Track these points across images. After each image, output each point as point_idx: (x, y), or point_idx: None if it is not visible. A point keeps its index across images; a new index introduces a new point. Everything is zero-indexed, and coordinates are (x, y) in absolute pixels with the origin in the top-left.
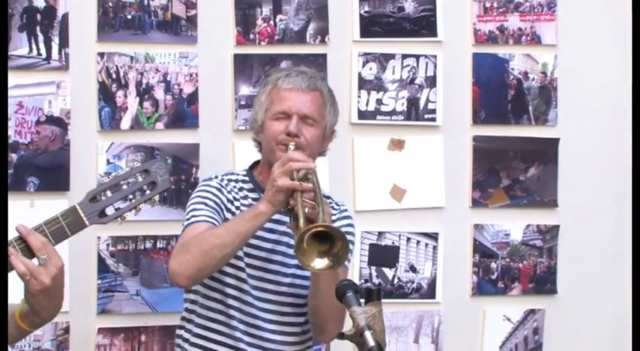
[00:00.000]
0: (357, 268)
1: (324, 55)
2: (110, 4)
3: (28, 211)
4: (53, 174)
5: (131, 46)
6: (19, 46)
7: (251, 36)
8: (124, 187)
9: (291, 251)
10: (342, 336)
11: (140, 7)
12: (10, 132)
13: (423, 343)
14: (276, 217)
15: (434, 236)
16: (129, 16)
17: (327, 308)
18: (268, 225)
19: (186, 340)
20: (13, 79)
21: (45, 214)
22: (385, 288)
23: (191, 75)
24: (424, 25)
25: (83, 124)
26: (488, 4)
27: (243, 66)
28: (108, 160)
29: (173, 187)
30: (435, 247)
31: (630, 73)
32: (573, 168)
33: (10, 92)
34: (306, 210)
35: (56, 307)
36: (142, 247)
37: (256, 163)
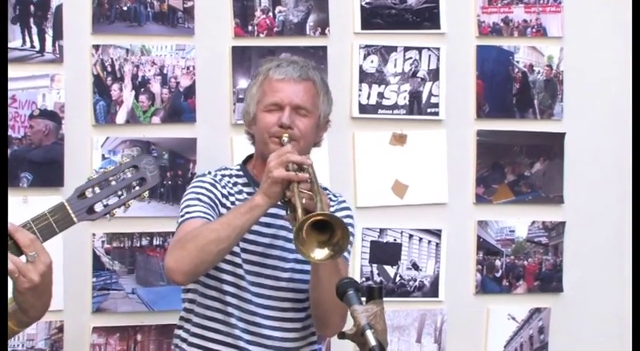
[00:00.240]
0: (357, 266)
1: (324, 48)
2: None
3: (21, 207)
4: (47, 169)
5: (127, 39)
6: (12, 38)
7: (249, 28)
8: (113, 183)
9: (289, 245)
10: (342, 335)
11: None
12: None
13: (425, 342)
14: (273, 210)
15: (437, 233)
16: (124, 8)
17: (329, 301)
18: (265, 219)
19: (184, 340)
20: None
21: (39, 211)
22: (387, 286)
23: (188, 68)
24: (427, 17)
25: (78, 118)
26: None
27: (242, 58)
28: (103, 155)
29: (170, 182)
30: (437, 244)
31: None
32: (579, 163)
33: None
34: (304, 201)
35: (45, 305)
36: (138, 244)
37: (250, 157)
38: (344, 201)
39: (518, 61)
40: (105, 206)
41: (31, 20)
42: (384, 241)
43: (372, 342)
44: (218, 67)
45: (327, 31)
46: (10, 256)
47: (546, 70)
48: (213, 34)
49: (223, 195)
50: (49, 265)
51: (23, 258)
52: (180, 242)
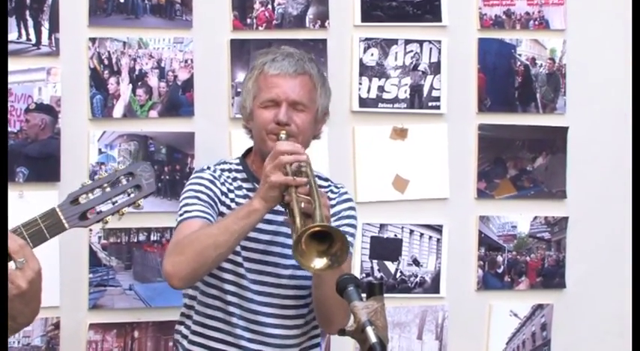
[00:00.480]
0: (358, 262)
1: (323, 41)
2: None
3: (17, 203)
4: (43, 164)
5: (124, 31)
6: (8, 31)
7: (248, 21)
8: (108, 189)
9: (289, 241)
10: (343, 332)
11: None
12: None
13: (426, 339)
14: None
15: (438, 228)
16: (121, 0)
17: (332, 298)
18: (266, 216)
19: (185, 337)
20: None
21: (35, 206)
22: (387, 282)
23: (186, 61)
24: (428, 10)
25: (74, 112)
26: None
27: (240, 52)
28: (100, 150)
29: (167, 177)
30: (439, 240)
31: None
32: (583, 157)
33: None
34: (302, 205)
35: (33, 311)
36: (136, 240)
37: (250, 150)
38: (346, 192)
39: (520, 55)
40: (98, 213)
41: (27, 13)
42: (384, 237)
43: (373, 339)
44: (216, 61)
45: (326, 24)
46: None
47: (549, 63)
48: (212, 26)
49: (222, 192)
50: (38, 271)
51: (12, 264)
52: (178, 246)
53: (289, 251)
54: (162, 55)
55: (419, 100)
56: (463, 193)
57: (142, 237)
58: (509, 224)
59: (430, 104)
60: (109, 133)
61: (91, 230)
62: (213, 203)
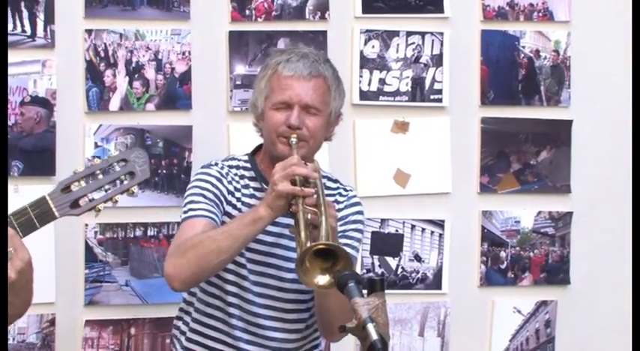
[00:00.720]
0: (358, 258)
1: (324, 32)
2: None
3: (12, 197)
4: (38, 157)
5: (120, 23)
6: None
7: (247, 12)
8: (100, 176)
9: (293, 245)
10: (343, 329)
11: None
12: None
13: (428, 336)
14: None
15: (440, 223)
16: None
17: (335, 308)
18: None
19: (183, 333)
20: None
21: (30, 200)
22: (389, 278)
23: (184, 53)
24: (430, 1)
25: (70, 105)
26: None
27: (239, 44)
28: (96, 143)
29: (164, 171)
30: (441, 235)
31: None
32: (587, 151)
33: None
34: (309, 216)
35: (24, 303)
36: (132, 235)
37: (259, 148)
38: (354, 196)
39: (524, 47)
40: (90, 201)
41: (22, 4)
42: (385, 232)
43: (374, 336)
44: (214, 53)
45: (326, 15)
46: None
47: (553, 55)
48: (210, 18)
49: (229, 191)
50: (28, 261)
51: None
52: (180, 249)
53: (292, 254)
54: (159, 47)
55: (420, 92)
56: (465, 188)
57: (138, 232)
58: (513, 219)
59: (432, 97)
60: (105, 126)
61: (87, 225)
62: (219, 202)
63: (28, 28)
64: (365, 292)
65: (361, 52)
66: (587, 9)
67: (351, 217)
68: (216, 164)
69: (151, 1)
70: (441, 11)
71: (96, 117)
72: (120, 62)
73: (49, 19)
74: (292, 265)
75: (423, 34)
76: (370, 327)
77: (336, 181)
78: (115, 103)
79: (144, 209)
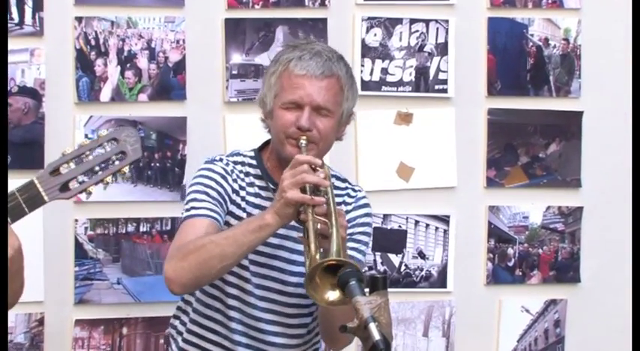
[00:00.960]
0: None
1: (324, 20)
2: None
3: None
4: (26, 150)
5: (112, 10)
6: None
7: None
8: (90, 157)
9: (298, 247)
10: (344, 329)
11: None
12: None
13: (432, 336)
14: None
15: (445, 219)
16: None
17: (341, 317)
18: None
19: (179, 333)
20: None
21: None
22: (391, 276)
23: (178, 42)
24: None
25: (59, 96)
26: None
27: (235, 32)
28: (86, 135)
29: (158, 164)
30: (445, 231)
31: None
32: (598, 144)
33: None
34: (318, 226)
35: (16, 292)
36: (124, 231)
37: (266, 144)
38: (363, 197)
39: (532, 35)
40: (80, 183)
41: None
42: (388, 228)
43: (376, 336)
44: (210, 41)
45: (327, 2)
46: None
47: (563, 44)
48: (205, 5)
49: (234, 190)
50: (18, 248)
51: None
52: (181, 251)
53: (296, 257)
54: (152, 36)
55: (425, 83)
56: (471, 182)
57: (130, 228)
58: (521, 215)
59: (437, 87)
60: (95, 117)
61: (76, 221)
62: (222, 201)
63: (15, 15)
64: (367, 290)
65: (363, 41)
66: None
67: (359, 220)
68: (221, 160)
69: None
70: None
71: (86, 108)
72: (111, 51)
73: (38, 7)
74: (296, 269)
75: (427, 22)
76: (372, 327)
77: (344, 180)
78: (106, 93)
79: (136, 204)
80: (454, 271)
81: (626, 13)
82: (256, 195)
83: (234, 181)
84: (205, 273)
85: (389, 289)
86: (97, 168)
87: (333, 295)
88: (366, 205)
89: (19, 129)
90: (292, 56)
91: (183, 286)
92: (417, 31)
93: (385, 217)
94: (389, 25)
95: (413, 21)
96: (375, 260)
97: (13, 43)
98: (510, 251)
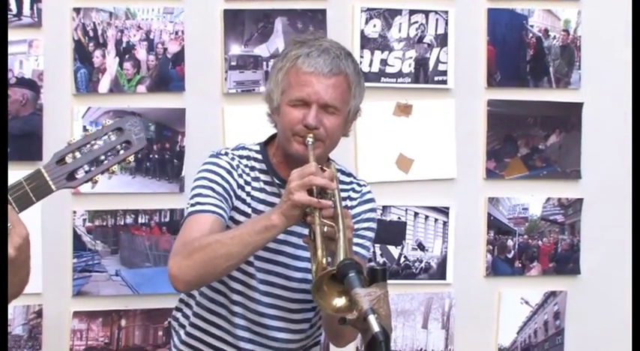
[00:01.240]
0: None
1: (323, 11)
2: None
3: None
4: (24, 142)
5: (110, 1)
6: None
7: None
8: (95, 147)
9: (302, 242)
10: (343, 321)
11: None
12: None
13: (432, 328)
14: None
15: (444, 211)
16: None
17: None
18: None
19: (182, 326)
20: None
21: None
22: (391, 268)
23: (176, 33)
24: None
25: (57, 87)
26: None
27: (234, 23)
28: (84, 127)
29: (156, 156)
30: (445, 223)
31: None
32: (598, 135)
33: None
34: (325, 229)
35: (22, 281)
36: (122, 223)
37: (272, 138)
38: (368, 192)
39: (532, 26)
40: (86, 172)
41: None
42: (387, 220)
43: (376, 328)
44: (209, 32)
45: None
46: None
47: (563, 35)
48: None
49: (239, 185)
50: (26, 237)
51: None
52: (186, 249)
53: (301, 252)
54: (151, 27)
55: (424, 74)
56: (471, 173)
57: (129, 219)
58: (520, 206)
59: (436, 79)
60: (94, 109)
61: (75, 212)
62: (228, 197)
63: (13, 6)
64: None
65: (362, 32)
66: None
67: (364, 216)
68: (226, 154)
69: None
70: None
71: (84, 99)
72: (109, 42)
73: None
74: (300, 264)
75: (426, 13)
76: (372, 319)
77: (349, 174)
78: (104, 84)
79: (135, 195)
80: (453, 263)
81: (626, 4)
82: (261, 190)
83: (240, 176)
84: (210, 272)
85: (388, 281)
86: (102, 157)
87: (340, 302)
88: (371, 200)
89: (17, 120)
90: (300, 53)
91: (187, 283)
92: (417, 22)
93: (384, 208)
94: (388, 16)
95: (412, 12)
96: (374, 252)
97: (11, 35)
98: (510, 243)
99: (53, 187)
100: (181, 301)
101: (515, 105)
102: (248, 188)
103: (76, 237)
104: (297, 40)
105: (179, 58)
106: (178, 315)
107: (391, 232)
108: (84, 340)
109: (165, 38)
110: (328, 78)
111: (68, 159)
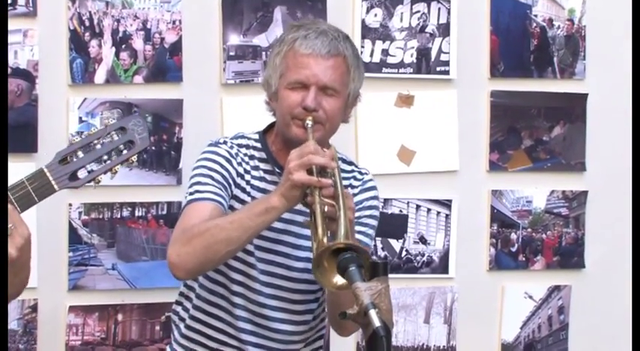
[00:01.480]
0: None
1: (323, 0)
2: None
3: None
4: (19, 133)
5: None
6: None
7: None
8: (98, 146)
9: (304, 232)
10: (344, 315)
11: None
12: None
13: (434, 323)
14: None
15: (447, 204)
16: None
17: (349, 303)
18: None
19: (182, 320)
20: None
21: (11, 179)
22: (392, 262)
23: (174, 22)
24: None
25: (53, 78)
26: None
27: (233, 12)
28: (80, 118)
29: (154, 148)
30: (447, 216)
31: None
32: (603, 127)
33: None
34: (325, 208)
35: (22, 282)
36: (119, 216)
37: (271, 126)
38: (370, 180)
39: (536, 15)
40: (89, 172)
41: None
42: (388, 213)
43: (376, 322)
44: (207, 21)
45: None
46: None
47: (567, 24)
48: None
49: (238, 174)
50: (28, 237)
51: None
52: (185, 235)
53: (302, 242)
54: (147, 16)
55: (426, 64)
56: (474, 166)
57: (125, 212)
58: (524, 199)
59: (438, 69)
60: (90, 100)
61: (70, 205)
62: (227, 185)
63: None
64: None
65: (363, 21)
66: None
67: (366, 203)
68: (225, 143)
69: None
70: None
71: (80, 90)
72: (106, 32)
73: None
74: (302, 254)
75: (428, 2)
76: (372, 313)
77: (351, 163)
78: (100, 75)
79: (131, 188)
80: (456, 257)
81: None
82: (261, 179)
83: (239, 164)
84: (210, 258)
85: (389, 275)
86: (105, 157)
87: (341, 279)
88: (373, 188)
89: (12, 111)
90: (297, 35)
91: (187, 271)
92: (419, 11)
93: (386, 201)
94: (389, 5)
95: (414, 1)
96: (375, 245)
97: None
98: (513, 236)
99: (56, 186)
100: (181, 294)
101: (518, 96)
102: (248, 177)
103: (72, 230)
104: (294, 24)
105: (176, 48)
106: (178, 309)
107: (392, 225)
108: (80, 334)
109: (162, 28)
110: (326, 59)
111: (70, 158)
